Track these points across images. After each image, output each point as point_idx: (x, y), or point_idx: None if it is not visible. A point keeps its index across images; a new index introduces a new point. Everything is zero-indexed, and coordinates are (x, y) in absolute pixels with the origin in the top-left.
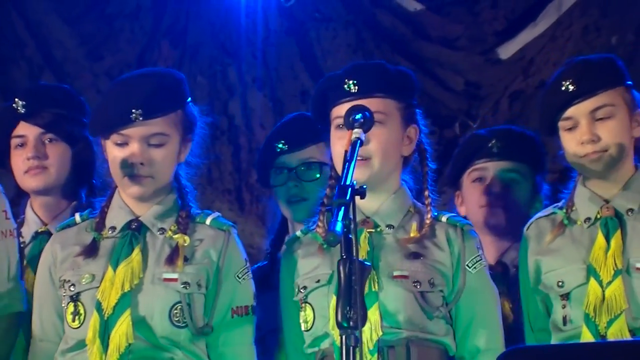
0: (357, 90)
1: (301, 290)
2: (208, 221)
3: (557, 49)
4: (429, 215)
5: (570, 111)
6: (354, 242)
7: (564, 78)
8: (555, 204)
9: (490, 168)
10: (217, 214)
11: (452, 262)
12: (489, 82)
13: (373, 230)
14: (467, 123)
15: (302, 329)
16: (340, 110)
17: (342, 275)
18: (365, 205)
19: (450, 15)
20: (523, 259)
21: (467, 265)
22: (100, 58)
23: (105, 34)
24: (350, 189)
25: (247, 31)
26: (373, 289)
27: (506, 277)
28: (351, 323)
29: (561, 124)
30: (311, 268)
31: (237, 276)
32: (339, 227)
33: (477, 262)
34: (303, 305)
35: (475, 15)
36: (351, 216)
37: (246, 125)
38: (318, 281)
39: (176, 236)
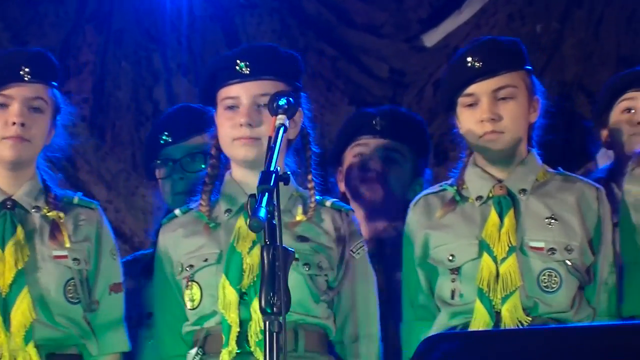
0: (249, 71)
1: (186, 269)
2: (75, 200)
3: (482, 36)
4: (312, 199)
5: (472, 88)
6: (277, 228)
7: (470, 55)
8: (444, 182)
9: (371, 144)
10: (79, 193)
11: (339, 247)
12: (413, 69)
13: None
14: None
15: (188, 307)
16: (229, 91)
17: (265, 261)
18: (252, 185)
19: (375, 2)
20: (408, 234)
21: (352, 250)
22: (25, 42)
23: (30, 18)
24: (274, 175)
25: (172, 17)
26: None
27: (381, 254)
28: (275, 309)
29: (461, 99)
30: (196, 247)
31: (112, 253)
32: (262, 213)
33: (360, 247)
34: (189, 283)
35: (400, 2)
36: (275, 202)
37: None
38: (206, 260)
39: (51, 214)
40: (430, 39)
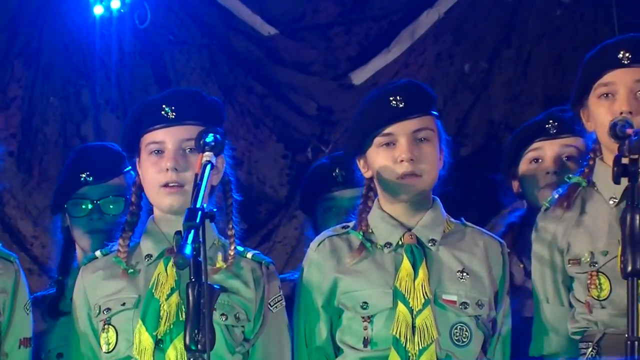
0: (175, 116)
1: (104, 312)
2: None
3: (410, 75)
4: (232, 247)
5: (392, 128)
6: (203, 265)
7: (392, 94)
8: (345, 224)
9: (337, 197)
10: None
11: (256, 299)
12: (341, 107)
13: None
14: (319, 148)
15: (103, 350)
16: (154, 136)
17: (190, 298)
18: (172, 234)
19: (304, 40)
20: (310, 277)
21: (270, 303)
22: None
23: None
24: (200, 212)
25: (101, 53)
26: (181, 318)
27: None
28: (199, 346)
29: (378, 139)
30: (114, 290)
31: (26, 307)
32: (188, 250)
33: (278, 301)
34: (106, 326)
35: (329, 40)
36: (201, 239)
37: None
38: (124, 304)
39: None
40: (359, 77)
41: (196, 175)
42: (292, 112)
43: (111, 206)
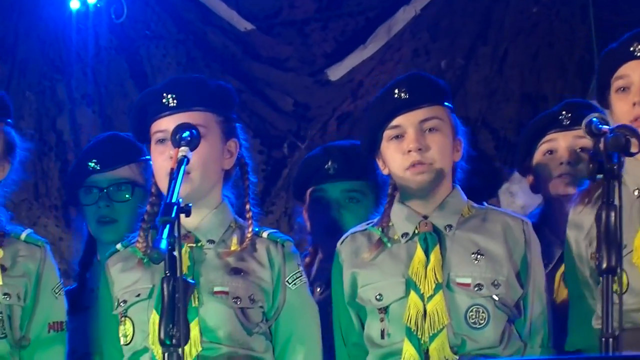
0: (176, 104)
1: (121, 304)
2: (23, 237)
3: (387, 71)
4: (250, 229)
5: (399, 119)
6: (178, 259)
7: (397, 87)
8: (369, 221)
9: (329, 189)
10: (30, 230)
11: (273, 277)
12: (317, 103)
13: (194, 245)
14: (295, 144)
15: (122, 343)
16: (159, 125)
17: (165, 292)
18: (186, 220)
19: (280, 35)
20: (337, 273)
21: (288, 281)
22: None
23: None
24: (175, 207)
25: (78, 47)
26: (193, 305)
27: None
28: (174, 341)
29: (387, 132)
30: (131, 282)
31: (54, 291)
32: (163, 244)
33: (297, 278)
34: (123, 319)
35: (305, 36)
36: (176, 234)
37: (74, 141)
38: (138, 295)
39: None
40: (335, 73)
41: (172, 170)
42: (268, 107)
43: (119, 193)
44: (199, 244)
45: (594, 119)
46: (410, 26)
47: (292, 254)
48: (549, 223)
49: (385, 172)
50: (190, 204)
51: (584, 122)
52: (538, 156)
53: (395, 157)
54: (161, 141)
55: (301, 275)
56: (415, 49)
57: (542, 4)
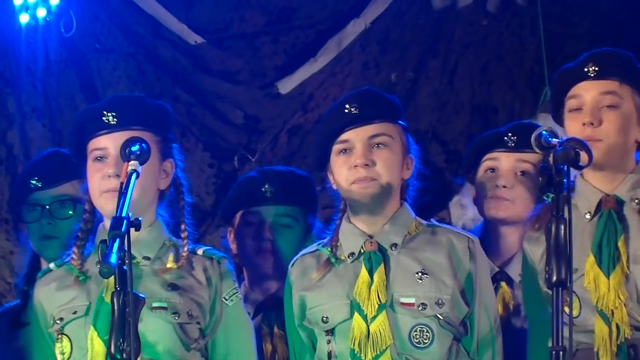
0: (116, 122)
1: (57, 322)
2: None
3: (337, 84)
4: (185, 248)
5: (347, 134)
6: (128, 274)
7: (348, 102)
8: (319, 241)
9: (263, 212)
10: None
11: (210, 294)
12: (268, 116)
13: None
14: (246, 157)
15: None
16: (97, 143)
17: (115, 307)
18: None
19: (230, 49)
20: (287, 296)
21: (224, 297)
22: None
23: None
24: (125, 221)
25: (27, 61)
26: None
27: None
28: (124, 355)
29: (336, 147)
30: (67, 300)
31: None
32: (113, 258)
33: (233, 294)
34: (59, 336)
35: (256, 49)
36: (126, 248)
37: (25, 155)
38: (75, 312)
39: None
40: (285, 86)
41: (121, 184)
42: (218, 121)
43: (61, 211)
44: (135, 261)
45: (544, 132)
46: (361, 39)
47: (228, 271)
48: (487, 240)
49: (334, 186)
50: (140, 218)
51: (533, 135)
52: (481, 171)
53: (342, 171)
54: (99, 159)
55: (237, 292)
56: (366, 62)
57: (492, 16)
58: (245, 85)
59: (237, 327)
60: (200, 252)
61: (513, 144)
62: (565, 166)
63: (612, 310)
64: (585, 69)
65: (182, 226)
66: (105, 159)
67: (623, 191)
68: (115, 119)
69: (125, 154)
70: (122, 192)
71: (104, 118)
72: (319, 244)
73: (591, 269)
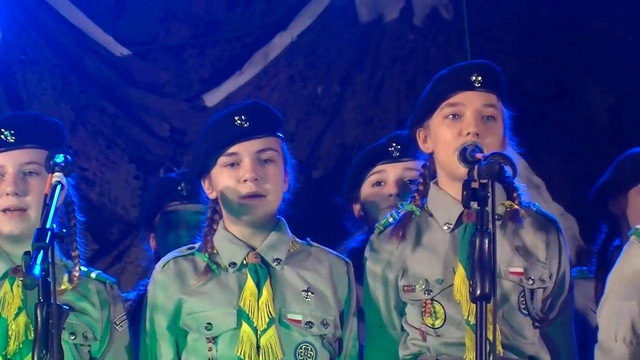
0: (14, 140)
1: None
2: None
3: (263, 97)
4: (77, 269)
5: (236, 147)
6: (52, 285)
7: (237, 114)
8: (191, 245)
9: (180, 211)
10: None
11: (102, 318)
12: (194, 129)
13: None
14: (171, 169)
15: None
16: None
17: (39, 318)
18: (17, 254)
19: (156, 61)
20: (156, 296)
21: (115, 322)
22: None
23: None
24: (49, 233)
25: None
26: (30, 338)
27: None
28: None
29: (222, 159)
30: None
31: None
32: (37, 270)
33: (123, 320)
34: None
35: (182, 62)
36: (50, 260)
37: None
38: None
39: None
40: (212, 99)
41: (45, 195)
42: (144, 133)
43: None
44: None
45: (468, 146)
46: (287, 52)
47: (118, 296)
48: None
49: (211, 196)
50: (65, 230)
51: (457, 150)
52: (366, 187)
53: (229, 184)
54: None
55: (125, 318)
56: (292, 75)
57: (418, 30)
58: (171, 98)
59: (125, 352)
60: (93, 275)
61: (398, 154)
62: (490, 180)
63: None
64: (472, 79)
65: (74, 245)
66: (2, 177)
67: None
68: (13, 137)
69: (49, 166)
70: (47, 204)
71: (2, 136)
72: (190, 249)
73: (462, 282)
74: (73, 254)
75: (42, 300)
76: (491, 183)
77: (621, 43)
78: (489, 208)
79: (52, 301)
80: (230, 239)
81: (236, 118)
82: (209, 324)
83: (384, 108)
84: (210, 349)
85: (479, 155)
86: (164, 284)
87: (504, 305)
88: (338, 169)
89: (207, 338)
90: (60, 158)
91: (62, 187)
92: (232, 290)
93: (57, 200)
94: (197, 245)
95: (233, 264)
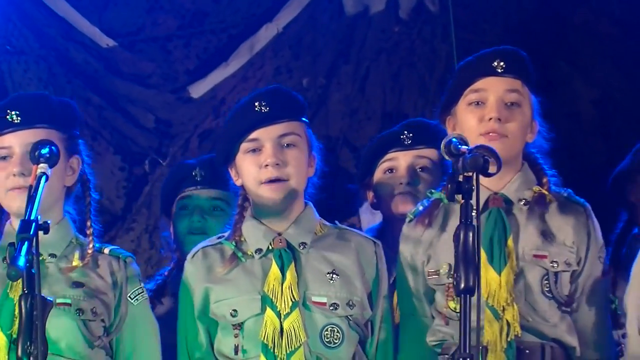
0: (20, 121)
1: None
2: None
3: (249, 89)
4: (90, 246)
5: (257, 133)
6: (36, 277)
7: (257, 100)
8: (220, 235)
9: (194, 196)
10: None
11: (115, 292)
12: (179, 120)
13: None
14: (157, 160)
15: None
16: (2, 141)
17: (23, 310)
18: None
19: (142, 52)
20: (187, 286)
21: (130, 296)
22: None
23: None
24: (34, 224)
25: None
26: None
27: None
28: (31, 358)
29: (244, 145)
30: None
31: None
32: (21, 261)
33: (139, 294)
34: None
35: (168, 53)
36: (34, 251)
37: None
38: None
39: None
40: (197, 90)
41: (30, 186)
42: (129, 124)
43: None
44: (41, 258)
45: (454, 139)
46: (273, 44)
47: (133, 269)
48: (387, 240)
49: (238, 183)
50: (49, 221)
51: (443, 142)
52: (378, 174)
53: (251, 170)
54: (3, 158)
55: (143, 292)
56: (278, 66)
57: (404, 23)
58: (156, 89)
59: (142, 326)
60: (106, 250)
61: (410, 142)
62: (474, 173)
63: (503, 307)
64: (493, 64)
65: (88, 223)
66: (10, 158)
67: (511, 190)
68: (19, 117)
69: (34, 157)
70: (31, 195)
71: (7, 117)
72: (219, 238)
73: (483, 265)
74: (87, 231)
75: (26, 291)
76: (475, 176)
77: (606, 37)
78: (472, 201)
79: (36, 293)
80: (256, 226)
81: (256, 104)
82: (235, 310)
83: (369, 100)
84: (236, 336)
85: (463, 149)
86: (193, 273)
87: (526, 287)
88: (323, 160)
89: (234, 325)
90: (45, 149)
91: (47, 178)
92: (257, 276)
93: (43, 191)
94: (226, 233)
95: (259, 250)
